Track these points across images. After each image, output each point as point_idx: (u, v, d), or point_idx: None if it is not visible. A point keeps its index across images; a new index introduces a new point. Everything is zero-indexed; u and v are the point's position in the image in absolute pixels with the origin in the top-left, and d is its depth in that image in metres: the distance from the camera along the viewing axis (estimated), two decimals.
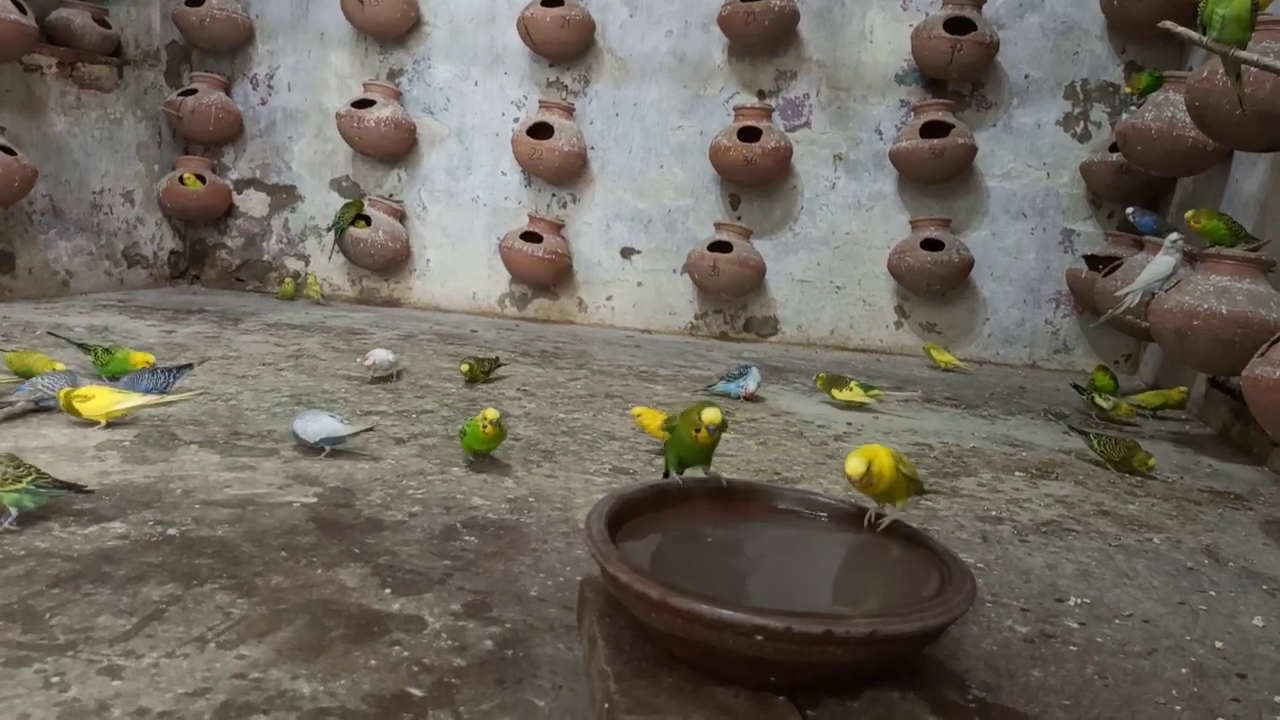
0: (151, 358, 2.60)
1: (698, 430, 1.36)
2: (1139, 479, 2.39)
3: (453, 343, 3.75)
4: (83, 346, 2.66)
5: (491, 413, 1.98)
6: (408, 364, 3.14)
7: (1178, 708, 1.23)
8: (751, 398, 2.98)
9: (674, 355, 3.90)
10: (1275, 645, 1.46)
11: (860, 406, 3.01)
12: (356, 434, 2.09)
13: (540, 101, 4.54)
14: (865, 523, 1.32)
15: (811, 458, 2.36)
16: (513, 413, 2.60)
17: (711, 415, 1.36)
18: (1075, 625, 1.47)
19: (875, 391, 3.03)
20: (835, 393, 3.00)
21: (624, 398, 2.91)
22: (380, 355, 2.83)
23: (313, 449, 2.07)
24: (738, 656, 0.98)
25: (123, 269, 4.68)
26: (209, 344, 3.27)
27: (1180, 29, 2.09)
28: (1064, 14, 4.17)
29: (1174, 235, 2.85)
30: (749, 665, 0.99)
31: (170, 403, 2.30)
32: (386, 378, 2.89)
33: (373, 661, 1.19)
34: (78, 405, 2.09)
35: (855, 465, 1.27)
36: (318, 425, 2.06)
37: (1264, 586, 1.70)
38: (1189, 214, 2.83)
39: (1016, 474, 2.37)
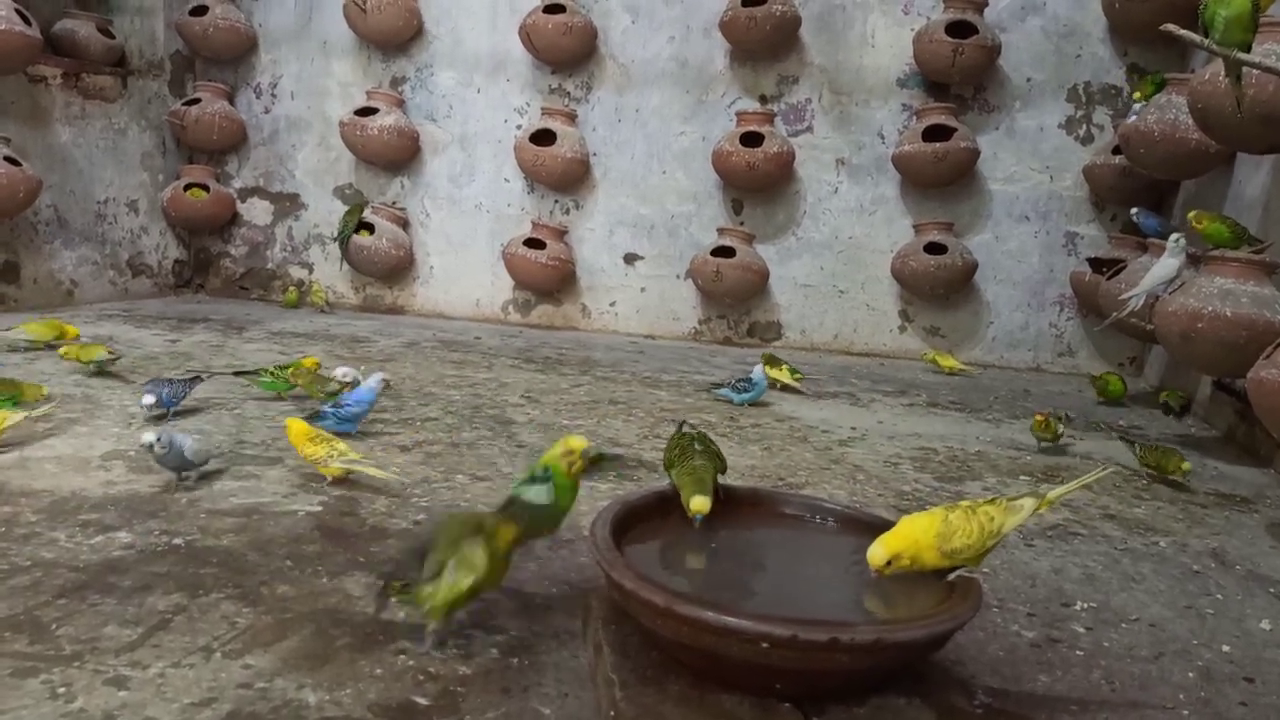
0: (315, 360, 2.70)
1: (571, 463, 1.23)
2: (1144, 483, 2.38)
3: (456, 350, 3.76)
4: (271, 370, 2.64)
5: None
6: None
7: (1185, 712, 1.23)
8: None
9: (677, 361, 3.90)
10: None
11: (787, 388, 3.33)
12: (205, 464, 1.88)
13: (542, 108, 4.55)
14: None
15: (816, 463, 2.36)
16: (516, 419, 2.60)
17: (577, 442, 1.24)
18: (1082, 630, 1.46)
19: (799, 375, 3.35)
20: (769, 369, 3.27)
21: (628, 404, 2.91)
22: (346, 372, 2.69)
23: (175, 471, 1.84)
24: (743, 664, 0.98)
25: (127, 278, 4.69)
26: (213, 353, 3.28)
27: (1182, 31, 2.09)
28: (1065, 17, 4.17)
29: (1177, 237, 2.84)
30: (755, 672, 0.99)
31: (38, 416, 2.13)
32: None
33: (378, 670, 1.19)
34: None
35: (876, 555, 1.15)
36: (197, 448, 1.84)
37: (1271, 589, 1.70)
38: (1191, 214, 2.82)
39: (1022, 478, 2.36)
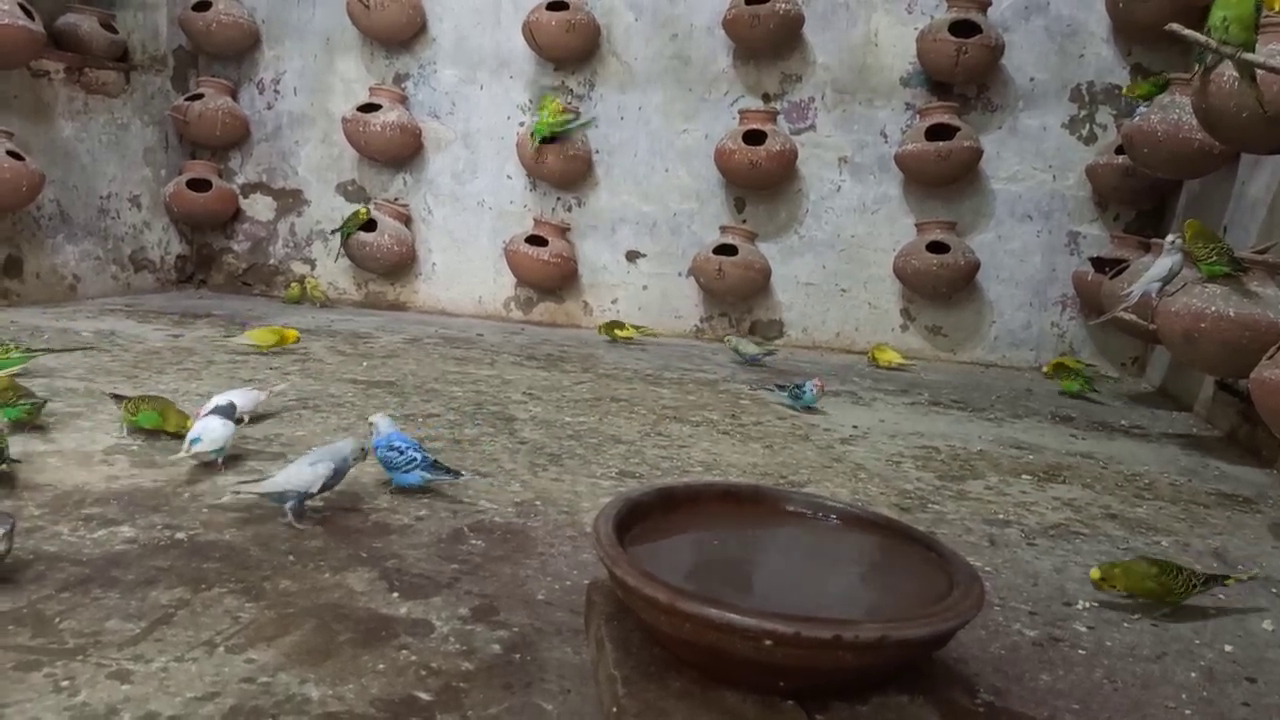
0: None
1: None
2: (1146, 483, 2.39)
3: (459, 346, 3.76)
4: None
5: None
6: (292, 400, 2.55)
7: (1187, 712, 1.23)
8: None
9: (679, 358, 3.90)
10: None
11: (630, 341, 4.07)
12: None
13: None
14: None
15: (818, 461, 2.36)
16: (518, 416, 2.60)
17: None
18: (1084, 629, 1.46)
19: (644, 329, 4.20)
20: (616, 331, 4.06)
21: (629, 401, 2.91)
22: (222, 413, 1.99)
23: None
24: (746, 661, 0.98)
25: (130, 273, 4.69)
26: (216, 349, 3.28)
27: (1186, 31, 2.09)
28: (1069, 16, 4.17)
29: (1173, 237, 2.84)
30: (757, 669, 0.99)
31: None
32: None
33: (381, 665, 1.19)
34: None
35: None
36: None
37: (1274, 589, 1.70)
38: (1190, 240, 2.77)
39: (1024, 477, 2.36)
